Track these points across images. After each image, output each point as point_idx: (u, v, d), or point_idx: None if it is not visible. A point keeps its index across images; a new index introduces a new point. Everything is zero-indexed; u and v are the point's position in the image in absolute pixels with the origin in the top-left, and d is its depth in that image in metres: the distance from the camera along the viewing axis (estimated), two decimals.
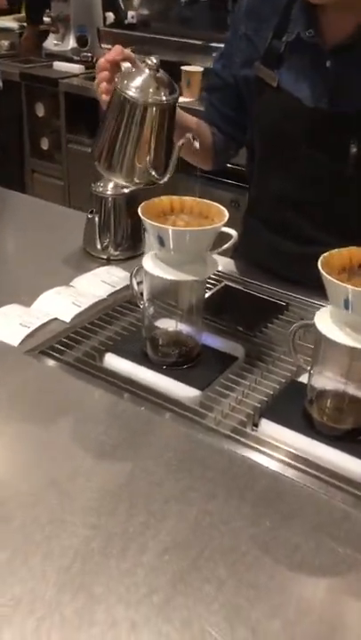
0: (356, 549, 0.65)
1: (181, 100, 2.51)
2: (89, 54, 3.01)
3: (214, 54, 2.73)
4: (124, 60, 0.90)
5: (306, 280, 1.03)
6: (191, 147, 0.91)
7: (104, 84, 0.93)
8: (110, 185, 1.19)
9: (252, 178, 1.23)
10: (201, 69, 2.52)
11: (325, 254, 0.74)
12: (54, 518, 0.67)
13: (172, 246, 0.81)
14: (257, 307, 1.09)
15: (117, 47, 0.92)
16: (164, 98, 0.86)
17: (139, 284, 0.92)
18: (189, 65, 2.58)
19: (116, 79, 0.87)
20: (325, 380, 0.81)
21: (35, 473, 0.73)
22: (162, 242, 0.81)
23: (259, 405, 0.84)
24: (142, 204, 0.83)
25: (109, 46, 2.98)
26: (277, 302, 1.09)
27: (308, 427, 0.80)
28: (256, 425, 0.82)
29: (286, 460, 0.76)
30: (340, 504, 0.71)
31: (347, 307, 0.71)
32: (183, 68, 2.53)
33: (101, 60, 0.93)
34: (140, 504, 0.69)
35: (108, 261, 1.20)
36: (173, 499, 0.70)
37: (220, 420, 0.82)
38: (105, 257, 1.21)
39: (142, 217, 0.81)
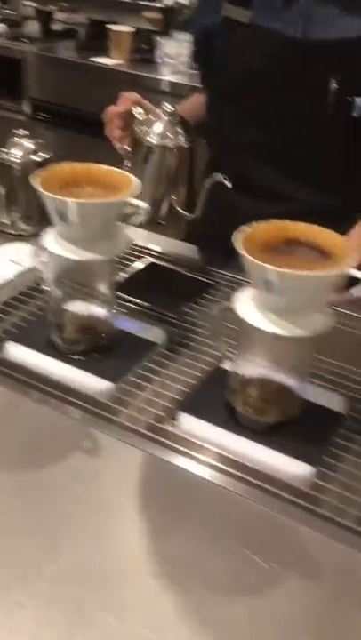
0: (282, 563, 0.59)
1: (110, 61, 2.38)
2: (11, 12, 2.81)
3: (145, 13, 2.61)
4: (135, 105, 0.97)
5: None
6: (224, 186, 0.91)
7: (118, 132, 1.00)
8: (19, 152, 1.07)
9: (212, 135, 1.14)
10: (131, 29, 2.38)
11: (246, 229, 0.66)
12: None
13: (75, 221, 0.71)
14: (183, 286, 1.00)
15: (126, 96, 0.99)
16: (184, 143, 0.94)
17: (44, 263, 0.81)
18: (118, 24, 2.43)
19: (136, 128, 0.95)
20: (250, 367, 0.73)
21: None
22: (63, 216, 0.71)
23: (179, 398, 0.76)
24: (38, 172, 0.73)
25: (34, 4, 2.79)
26: (206, 280, 1.01)
27: (231, 420, 0.72)
28: (175, 419, 0.74)
29: (207, 460, 0.68)
30: (261, 507, 0.64)
31: (269, 288, 0.63)
32: (111, 27, 2.38)
33: (111, 110, 1.00)
34: (41, 524, 0.60)
35: (19, 237, 1.09)
36: (74, 512, 0.61)
37: (136, 416, 0.74)
38: (14, 232, 1.09)
39: (38, 188, 0.70)
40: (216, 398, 0.75)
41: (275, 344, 0.68)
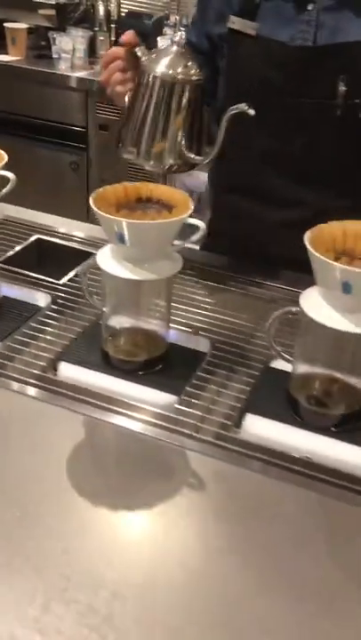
0: (146, 473, 0.68)
1: (7, 58, 2.42)
2: None
3: (40, 11, 2.66)
4: (137, 45, 0.87)
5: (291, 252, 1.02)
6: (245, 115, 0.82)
7: (119, 75, 0.89)
8: None
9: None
10: (25, 26, 2.43)
11: (99, 190, 0.75)
12: None
13: None
14: (68, 257, 1.08)
15: (128, 33, 0.87)
16: (195, 76, 0.84)
17: None
18: (15, 22, 2.47)
19: (143, 61, 0.84)
20: (118, 317, 0.82)
21: None
22: None
23: (61, 351, 0.84)
24: None
25: None
26: (88, 251, 1.09)
27: (106, 364, 0.81)
28: (56, 369, 0.82)
29: (87, 399, 0.77)
30: (136, 433, 0.73)
31: (122, 240, 0.72)
32: (7, 25, 2.42)
33: (112, 51, 0.89)
34: None
35: None
36: None
37: (23, 368, 0.81)
38: None
39: None
40: (93, 348, 0.83)
41: (133, 290, 0.77)
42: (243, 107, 0.78)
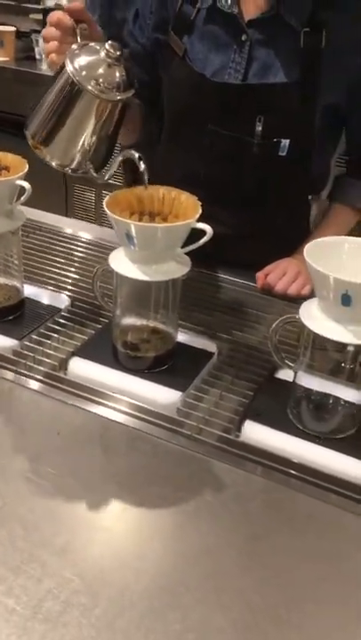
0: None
1: None
2: None
3: (31, 15, 2.67)
4: (81, 20, 0.80)
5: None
6: (135, 166, 0.78)
7: (54, 44, 0.82)
8: None
9: (156, 155, 1.11)
10: (13, 29, 2.46)
11: None
12: None
13: None
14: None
15: (78, 4, 0.82)
16: (117, 96, 0.76)
17: None
18: (3, 25, 2.50)
19: (68, 56, 0.76)
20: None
21: None
22: None
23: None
24: None
25: None
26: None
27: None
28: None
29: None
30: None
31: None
32: None
33: (60, 16, 0.81)
34: None
35: None
36: None
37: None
38: None
39: None
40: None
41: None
42: (135, 156, 0.75)
